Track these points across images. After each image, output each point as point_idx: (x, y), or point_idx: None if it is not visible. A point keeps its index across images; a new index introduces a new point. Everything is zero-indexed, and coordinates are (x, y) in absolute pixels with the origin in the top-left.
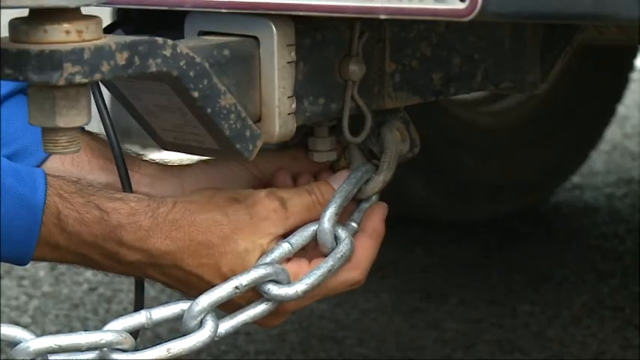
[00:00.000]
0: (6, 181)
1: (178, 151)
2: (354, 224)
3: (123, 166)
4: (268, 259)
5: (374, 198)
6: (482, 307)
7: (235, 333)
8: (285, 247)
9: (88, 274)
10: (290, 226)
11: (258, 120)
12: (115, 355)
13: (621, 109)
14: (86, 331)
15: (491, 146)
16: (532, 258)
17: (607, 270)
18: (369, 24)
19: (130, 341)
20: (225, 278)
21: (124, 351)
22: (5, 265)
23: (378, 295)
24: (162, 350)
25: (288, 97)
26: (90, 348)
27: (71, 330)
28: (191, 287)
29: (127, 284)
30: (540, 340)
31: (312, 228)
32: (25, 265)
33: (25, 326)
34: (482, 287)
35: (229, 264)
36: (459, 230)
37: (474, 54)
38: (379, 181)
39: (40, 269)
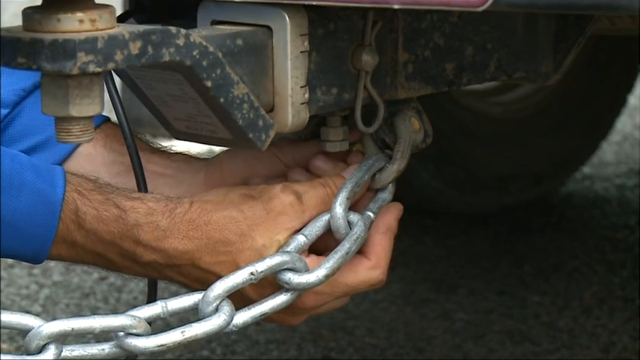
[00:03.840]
0: (25, 176)
1: (191, 141)
2: (370, 213)
3: (138, 162)
4: (287, 250)
5: (390, 188)
6: (493, 297)
7: None
8: (300, 239)
9: None
10: (307, 220)
11: (271, 110)
12: (129, 340)
13: (632, 100)
14: (100, 315)
15: (502, 137)
16: (542, 249)
17: (617, 261)
18: (382, 14)
19: (144, 325)
20: None
21: (138, 335)
22: None
23: (388, 285)
24: (176, 334)
25: (301, 87)
26: (103, 331)
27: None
28: (207, 283)
29: None
30: (550, 330)
31: (324, 217)
32: (40, 263)
33: (36, 315)
34: (493, 278)
35: (247, 260)
36: (469, 221)
37: (487, 44)
38: (393, 170)
39: None
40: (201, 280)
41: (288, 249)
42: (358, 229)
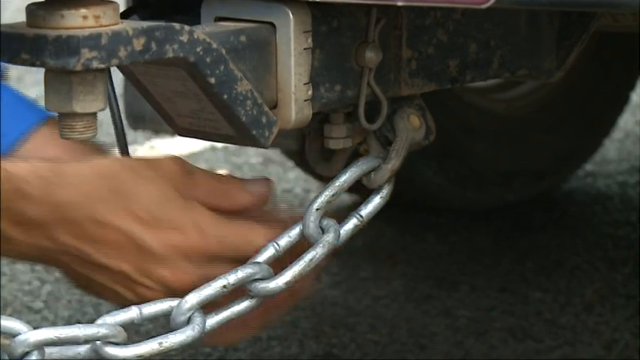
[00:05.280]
0: None
1: (194, 137)
2: (355, 218)
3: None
4: (257, 260)
5: (384, 191)
6: (494, 294)
7: None
8: (271, 250)
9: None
10: (194, 195)
11: (274, 106)
12: (108, 349)
13: (635, 97)
14: (83, 323)
15: (505, 133)
16: (544, 245)
17: (619, 258)
18: (385, 10)
19: (123, 335)
20: (144, 224)
21: (116, 344)
22: None
23: (390, 282)
24: (154, 344)
25: (305, 84)
26: (87, 340)
27: (84, 315)
28: (103, 248)
29: None
30: (552, 327)
31: (297, 228)
32: None
33: (38, 311)
34: (494, 274)
35: (146, 207)
36: (471, 217)
37: (491, 41)
38: (387, 169)
39: None
40: (100, 241)
41: (260, 260)
42: (328, 237)
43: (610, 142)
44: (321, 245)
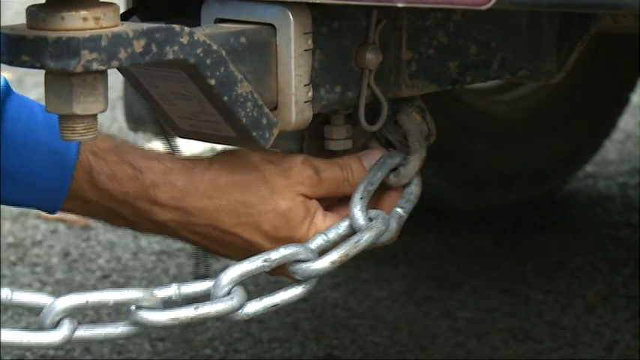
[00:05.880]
0: (40, 135)
1: (195, 139)
2: (399, 209)
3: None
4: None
5: (416, 181)
6: (496, 295)
7: (248, 320)
8: (320, 239)
9: (101, 261)
10: (319, 195)
11: (274, 108)
12: (142, 313)
13: (635, 99)
14: (112, 289)
15: (505, 135)
16: (545, 247)
17: (620, 259)
18: (385, 12)
19: (156, 299)
20: (266, 236)
21: (151, 309)
22: (19, 252)
23: (391, 283)
24: (189, 310)
25: (305, 85)
26: (117, 304)
27: (84, 317)
28: (226, 246)
29: (139, 272)
30: (553, 328)
31: (346, 222)
32: (54, 213)
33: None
34: (496, 276)
35: (271, 222)
36: (472, 219)
37: (491, 42)
38: (416, 159)
39: (53, 257)
40: (218, 241)
41: (309, 246)
42: (377, 223)
43: (610, 144)
44: (368, 229)
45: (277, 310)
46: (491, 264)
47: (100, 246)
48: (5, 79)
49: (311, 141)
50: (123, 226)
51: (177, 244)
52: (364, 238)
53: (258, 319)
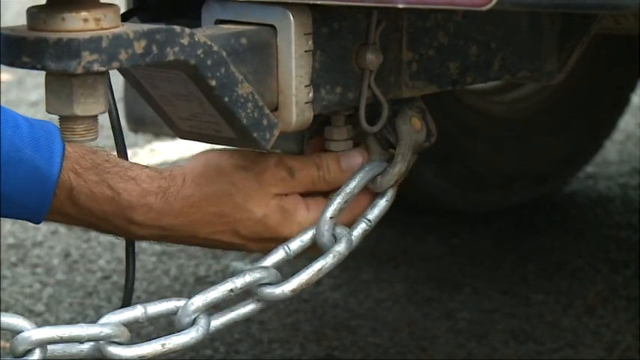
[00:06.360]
0: (24, 152)
1: (195, 140)
2: (364, 223)
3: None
4: (265, 264)
5: (389, 195)
6: (496, 296)
7: (248, 321)
8: (281, 253)
9: (102, 262)
10: (294, 193)
11: (275, 109)
12: (111, 349)
13: (635, 99)
14: (87, 323)
15: (506, 135)
16: (546, 247)
17: (621, 260)
18: (386, 13)
19: (126, 334)
20: (247, 239)
21: (120, 344)
22: (19, 253)
23: (392, 284)
24: (157, 345)
25: (306, 86)
26: (90, 340)
27: (85, 318)
28: (209, 246)
29: (140, 272)
30: (554, 329)
31: (310, 232)
32: (38, 224)
33: (39, 314)
34: (496, 277)
35: (248, 229)
36: (472, 220)
37: (492, 43)
38: (394, 172)
39: (53, 257)
40: (201, 245)
41: (269, 263)
42: (339, 247)
43: (611, 144)
44: (331, 255)
45: (278, 311)
46: (491, 265)
47: (101, 247)
48: None
49: (311, 142)
50: (105, 234)
51: (178, 245)
52: (327, 265)
53: (259, 319)
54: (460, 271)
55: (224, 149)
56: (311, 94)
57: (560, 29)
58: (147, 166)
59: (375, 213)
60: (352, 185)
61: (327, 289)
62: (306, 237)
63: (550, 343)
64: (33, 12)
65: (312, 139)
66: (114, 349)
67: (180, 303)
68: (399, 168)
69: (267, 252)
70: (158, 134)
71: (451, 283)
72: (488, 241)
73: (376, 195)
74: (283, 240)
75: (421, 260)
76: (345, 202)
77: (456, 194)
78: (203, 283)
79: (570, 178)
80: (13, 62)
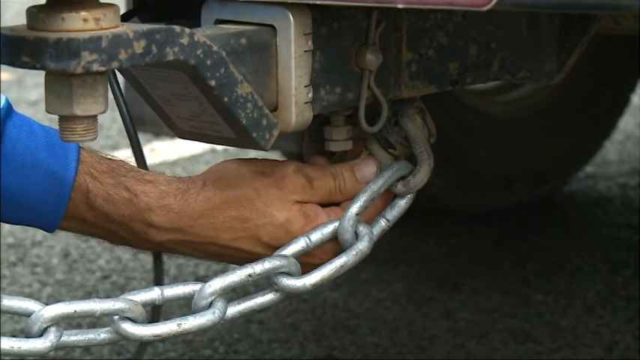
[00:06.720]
0: (39, 156)
1: (195, 140)
2: (383, 222)
3: (141, 154)
4: (285, 252)
5: (411, 195)
6: (496, 296)
7: (248, 321)
8: (302, 243)
9: (101, 261)
10: (313, 200)
11: (274, 109)
12: (126, 326)
13: (635, 99)
14: (99, 298)
15: (505, 136)
16: (545, 248)
17: (620, 260)
18: (385, 13)
19: (141, 310)
20: (267, 247)
21: (135, 322)
22: (19, 252)
23: (391, 284)
24: (172, 325)
25: (305, 86)
26: (104, 314)
27: (85, 317)
28: (227, 257)
29: (139, 272)
30: (553, 329)
31: (333, 225)
32: (53, 232)
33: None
34: (496, 277)
35: (270, 234)
36: (472, 220)
37: (491, 43)
38: (425, 171)
39: (53, 257)
40: (218, 255)
41: (288, 252)
42: (361, 245)
43: (610, 144)
44: (354, 252)
45: (277, 311)
46: (491, 265)
47: (100, 246)
48: (7, 98)
49: (311, 142)
50: (122, 245)
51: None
52: (349, 263)
53: (259, 319)
54: (460, 271)
55: (243, 158)
56: (310, 95)
57: (559, 29)
58: (164, 172)
59: (394, 213)
60: (379, 184)
61: (327, 289)
62: (328, 230)
63: (549, 343)
64: (33, 12)
65: (311, 139)
66: (129, 327)
67: (198, 287)
68: (428, 164)
69: None
70: (158, 134)
71: (451, 283)
72: (488, 241)
73: (395, 197)
74: None
75: (421, 260)
76: (372, 200)
77: (456, 194)
78: None
79: (570, 178)
80: (13, 62)
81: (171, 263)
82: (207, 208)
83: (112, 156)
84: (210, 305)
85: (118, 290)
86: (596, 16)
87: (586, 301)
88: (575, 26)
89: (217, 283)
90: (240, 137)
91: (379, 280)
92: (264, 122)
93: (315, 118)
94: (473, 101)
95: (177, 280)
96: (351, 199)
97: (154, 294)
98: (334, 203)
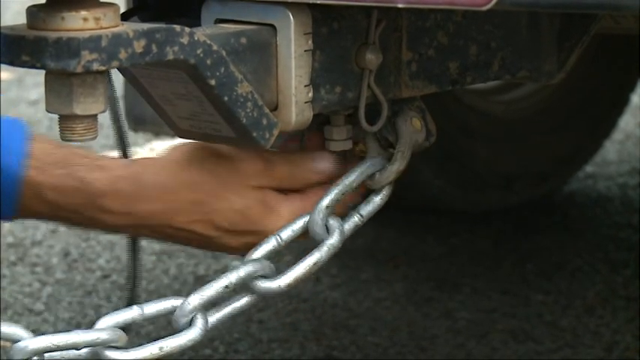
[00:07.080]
0: None
1: (195, 139)
2: (356, 217)
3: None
4: (257, 254)
5: (384, 192)
6: (495, 296)
7: (248, 321)
8: (273, 242)
9: (101, 260)
10: (271, 188)
11: (274, 108)
12: (109, 353)
13: (635, 99)
14: (83, 328)
15: (505, 135)
16: (545, 247)
17: (620, 260)
18: (386, 12)
19: (123, 338)
20: (223, 230)
21: (117, 348)
22: (19, 252)
23: (391, 284)
24: (154, 348)
25: (305, 86)
26: (87, 346)
27: (85, 317)
28: (183, 240)
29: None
30: (553, 329)
31: (302, 220)
32: (10, 222)
33: (39, 313)
34: (496, 277)
35: (226, 219)
36: (472, 219)
37: (491, 43)
38: (393, 170)
39: (53, 256)
40: (175, 237)
41: (260, 254)
42: (332, 240)
43: (610, 144)
44: (325, 248)
45: (277, 311)
46: (491, 265)
47: (100, 246)
48: None
49: (311, 141)
50: (80, 229)
51: (178, 245)
52: (322, 259)
53: (259, 319)
54: (459, 271)
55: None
56: (310, 94)
57: (559, 29)
58: (118, 157)
59: (368, 209)
60: (352, 178)
61: (327, 289)
62: (298, 226)
63: (549, 343)
64: (33, 11)
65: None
66: (111, 354)
67: (178, 302)
68: (397, 166)
69: (245, 249)
70: (158, 133)
71: (450, 283)
72: (488, 241)
73: (371, 192)
74: (266, 234)
75: (421, 260)
76: (343, 194)
77: (456, 194)
78: (203, 282)
79: (570, 178)
80: (13, 61)
81: (171, 263)
82: (162, 191)
83: (68, 145)
84: (191, 322)
85: (117, 289)
86: (597, 16)
87: (586, 301)
88: (575, 26)
89: (195, 299)
90: (240, 136)
91: (379, 280)
92: (265, 121)
93: (315, 118)
94: (473, 101)
95: (176, 279)
96: (305, 188)
97: (134, 313)
98: (292, 190)
